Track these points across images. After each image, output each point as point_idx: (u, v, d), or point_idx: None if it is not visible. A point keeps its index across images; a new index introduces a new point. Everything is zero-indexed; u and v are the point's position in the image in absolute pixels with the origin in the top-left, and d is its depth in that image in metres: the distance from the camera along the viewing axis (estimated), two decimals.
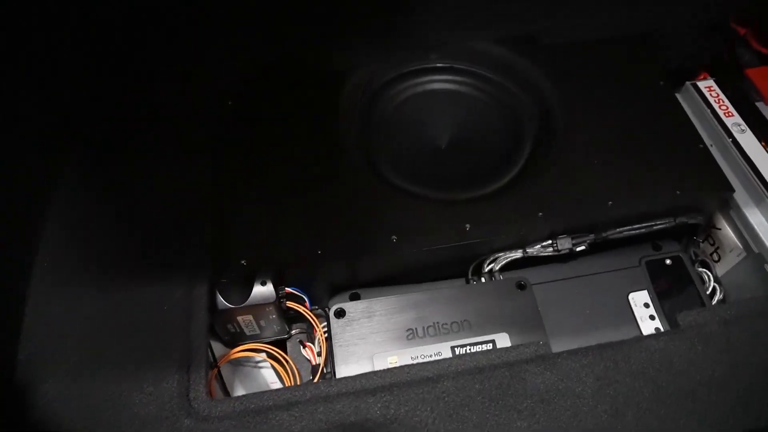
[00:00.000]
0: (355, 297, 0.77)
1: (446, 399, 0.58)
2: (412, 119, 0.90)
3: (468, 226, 0.74)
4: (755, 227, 0.78)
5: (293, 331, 0.81)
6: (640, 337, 0.62)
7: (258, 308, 0.72)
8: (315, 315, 0.77)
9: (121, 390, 0.57)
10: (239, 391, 0.79)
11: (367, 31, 0.92)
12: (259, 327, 0.77)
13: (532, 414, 0.57)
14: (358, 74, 0.90)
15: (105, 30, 0.82)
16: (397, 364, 0.68)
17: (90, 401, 0.56)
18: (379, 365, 0.69)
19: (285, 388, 0.59)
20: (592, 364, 0.60)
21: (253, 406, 0.58)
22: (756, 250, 0.79)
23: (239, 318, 0.73)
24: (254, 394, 0.59)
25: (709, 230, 0.86)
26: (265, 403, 0.58)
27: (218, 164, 0.78)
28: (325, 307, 0.77)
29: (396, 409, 0.57)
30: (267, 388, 0.78)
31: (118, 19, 0.82)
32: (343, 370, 0.69)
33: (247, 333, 0.77)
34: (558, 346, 0.66)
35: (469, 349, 0.70)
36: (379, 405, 0.57)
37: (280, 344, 0.82)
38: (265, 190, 0.77)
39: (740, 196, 0.81)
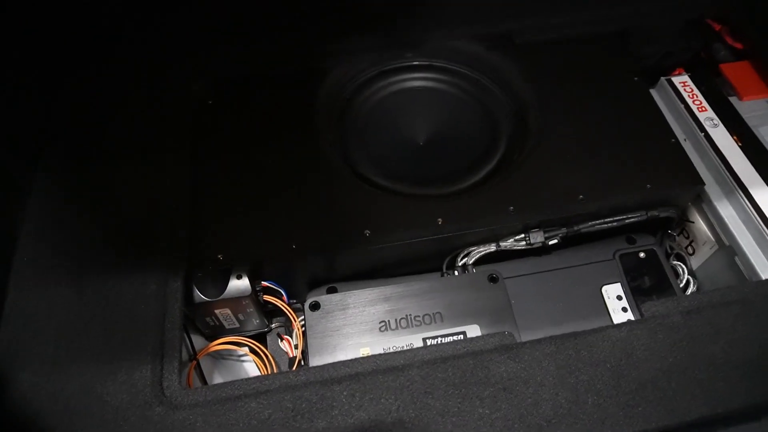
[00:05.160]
0: (332, 290, 0.79)
1: (411, 387, 0.59)
2: (391, 116, 0.91)
3: (440, 220, 0.75)
4: (726, 220, 0.79)
5: (273, 325, 0.83)
6: (603, 327, 0.63)
7: (235, 302, 0.74)
8: (293, 309, 0.79)
9: (95, 380, 0.59)
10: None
11: (345, 31, 0.93)
12: (238, 320, 0.78)
13: (494, 401, 0.58)
14: (337, 73, 0.91)
15: (82, 32, 0.85)
16: (370, 355, 0.69)
17: (64, 391, 0.58)
18: (351, 356, 0.70)
19: (255, 378, 0.61)
20: (555, 353, 0.61)
21: (223, 394, 0.59)
22: (727, 243, 0.80)
23: (217, 311, 0.75)
24: (225, 383, 0.61)
25: (683, 223, 0.87)
26: (235, 392, 0.60)
27: (196, 160, 0.80)
28: (303, 301, 0.79)
29: (361, 397, 0.58)
30: None
31: (95, 21, 0.84)
32: (316, 361, 0.71)
33: (227, 326, 0.79)
34: (530, 338, 0.67)
35: (441, 341, 0.72)
36: (345, 393, 0.59)
37: (261, 337, 0.84)
38: (242, 185, 0.79)
39: (712, 189, 0.82)
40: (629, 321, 0.65)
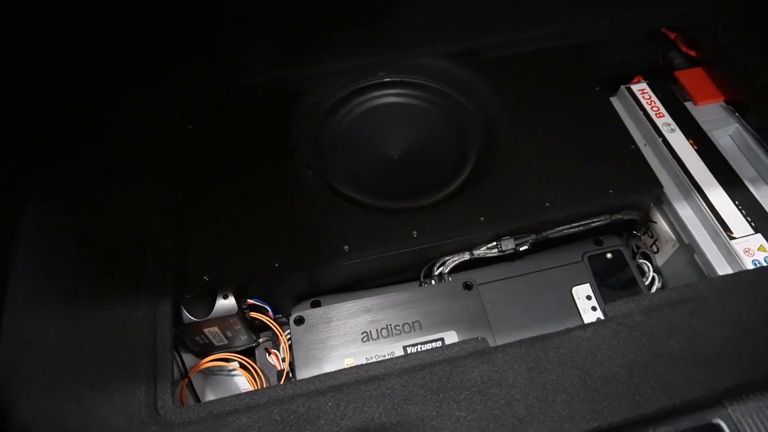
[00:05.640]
0: (316, 304, 0.82)
1: (392, 395, 0.63)
2: (365, 133, 0.95)
3: (415, 233, 0.79)
4: (684, 220, 0.84)
5: (261, 340, 0.87)
6: (570, 329, 0.68)
7: (222, 320, 0.77)
8: (279, 323, 0.82)
9: (91, 403, 0.62)
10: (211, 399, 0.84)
11: (318, 51, 0.97)
12: (227, 337, 0.82)
13: (469, 404, 0.62)
14: (311, 94, 0.95)
15: (71, 62, 0.87)
16: (353, 365, 0.73)
17: (62, 416, 0.61)
18: (336, 367, 0.74)
19: (244, 393, 0.64)
20: (525, 356, 0.65)
21: (215, 411, 0.63)
22: (686, 242, 0.84)
23: (206, 330, 0.78)
24: (217, 400, 0.64)
25: (647, 224, 0.92)
26: (226, 408, 0.63)
27: (180, 186, 0.83)
28: (288, 315, 0.83)
29: (346, 407, 0.62)
30: None
31: (84, 52, 0.87)
32: (303, 373, 0.74)
33: (216, 343, 0.83)
34: (504, 341, 0.71)
35: (420, 348, 0.76)
36: (330, 404, 0.62)
37: (250, 352, 0.87)
38: (225, 209, 0.82)
39: (671, 191, 0.87)
40: (593, 322, 0.69)
